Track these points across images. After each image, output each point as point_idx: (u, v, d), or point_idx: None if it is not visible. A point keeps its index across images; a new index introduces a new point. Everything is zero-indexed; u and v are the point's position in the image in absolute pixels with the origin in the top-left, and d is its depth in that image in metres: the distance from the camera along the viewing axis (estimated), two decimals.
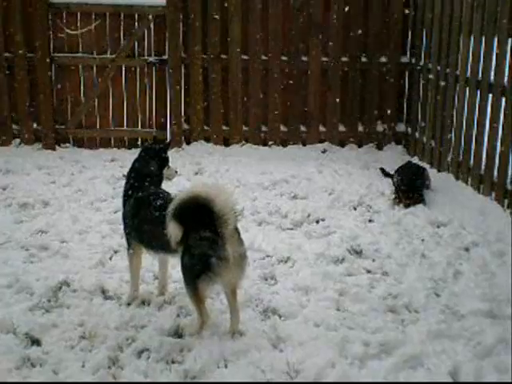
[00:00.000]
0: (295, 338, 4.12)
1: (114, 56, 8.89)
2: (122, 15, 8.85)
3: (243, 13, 8.93)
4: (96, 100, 9.07)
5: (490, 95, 6.80)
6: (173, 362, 3.90)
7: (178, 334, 4.20)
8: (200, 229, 3.90)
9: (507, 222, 6.15)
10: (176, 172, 5.02)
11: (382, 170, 7.92)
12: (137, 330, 4.24)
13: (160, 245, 4.22)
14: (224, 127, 9.25)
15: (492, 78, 6.75)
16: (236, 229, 4.02)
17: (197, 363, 3.83)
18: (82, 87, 9.05)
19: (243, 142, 9.25)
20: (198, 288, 4.01)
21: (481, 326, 4.25)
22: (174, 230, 3.92)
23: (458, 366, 3.80)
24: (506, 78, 6.48)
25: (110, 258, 5.39)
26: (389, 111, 9.33)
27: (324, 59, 9.11)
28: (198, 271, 3.96)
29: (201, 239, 3.91)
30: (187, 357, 3.92)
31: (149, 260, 5.25)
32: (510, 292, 4.73)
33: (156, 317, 4.40)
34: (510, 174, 6.41)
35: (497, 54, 6.65)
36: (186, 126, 9.20)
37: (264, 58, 9.07)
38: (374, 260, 5.44)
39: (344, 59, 9.14)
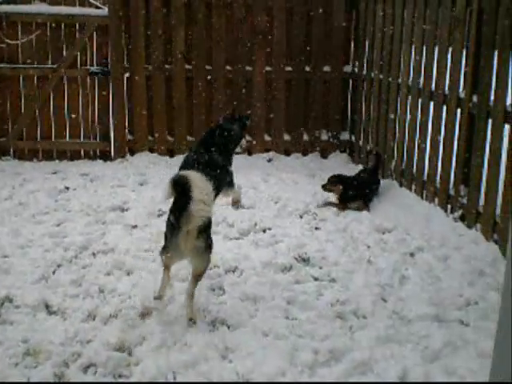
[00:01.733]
0: (244, 347, 4.08)
1: (55, 66, 8.73)
2: (64, 25, 8.71)
3: (186, 22, 8.90)
4: (37, 111, 8.89)
5: (432, 103, 6.92)
6: (120, 376, 3.82)
7: (124, 347, 4.12)
8: (175, 209, 4.30)
9: (450, 227, 6.26)
10: (246, 141, 5.55)
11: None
12: (82, 345, 4.13)
13: None
14: (169, 137, 9.18)
15: (433, 86, 6.87)
16: (200, 228, 4.23)
17: (145, 376, 3.76)
18: (22, 98, 8.86)
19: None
20: (161, 256, 4.59)
21: (428, 330, 4.30)
22: (167, 189, 4.21)
23: (407, 370, 3.82)
24: (446, 87, 6.61)
25: (53, 273, 5.24)
26: (333, 120, 9.43)
27: (268, 69, 9.15)
28: (164, 243, 4.52)
29: (169, 219, 4.41)
30: (135, 370, 3.84)
31: (92, 274, 5.17)
32: (456, 296, 4.82)
33: (101, 331, 4.29)
34: (452, 179, 6.53)
35: (438, 62, 6.78)
36: (129, 137, 9.10)
37: (208, 67, 9.05)
38: (321, 267, 5.44)
39: (288, 69, 9.20)
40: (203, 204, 4.14)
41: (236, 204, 5.45)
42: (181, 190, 4.13)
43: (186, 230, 4.20)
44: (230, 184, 5.09)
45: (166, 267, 4.67)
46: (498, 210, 5.69)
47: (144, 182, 8.07)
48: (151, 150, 9.16)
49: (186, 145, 9.16)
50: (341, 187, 7.11)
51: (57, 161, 8.97)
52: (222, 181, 4.87)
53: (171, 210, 4.40)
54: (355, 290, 4.97)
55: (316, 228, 6.45)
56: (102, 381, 3.77)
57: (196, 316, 4.44)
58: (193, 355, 3.97)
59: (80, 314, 4.52)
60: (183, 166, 4.84)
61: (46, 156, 8.99)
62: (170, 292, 4.86)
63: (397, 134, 7.81)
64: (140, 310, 4.56)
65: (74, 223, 6.39)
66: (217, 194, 4.70)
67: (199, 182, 4.17)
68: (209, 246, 4.42)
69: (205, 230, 4.33)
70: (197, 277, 4.48)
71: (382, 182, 7.75)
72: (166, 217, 6.54)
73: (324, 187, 7.22)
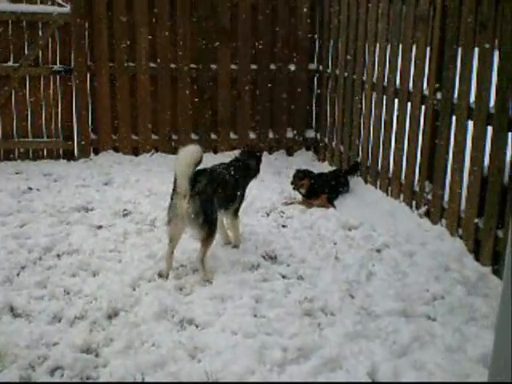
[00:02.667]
0: (213, 347, 4.05)
1: (17, 65, 8.58)
2: (25, 23, 8.55)
3: (150, 19, 8.82)
4: None
5: (396, 100, 6.97)
6: (87, 378, 3.77)
7: (91, 349, 4.06)
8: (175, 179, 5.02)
9: (416, 223, 6.31)
10: None
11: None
12: (48, 347, 4.06)
13: None
14: (133, 136, 9.10)
15: (398, 83, 6.92)
16: (194, 192, 4.95)
17: (113, 378, 3.72)
18: None
19: (153, 151, 9.15)
20: (166, 226, 5.22)
21: (396, 325, 4.32)
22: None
23: (376, 365, 3.83)
24: (411, 84, 6.66)
25: (18, 275, 5.15)
26: (298, 118, 9.46)
27: (233, 67, 9.13)
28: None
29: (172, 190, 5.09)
30: (102, 372, 3.80)
31: (57, 276, 5.10)
32: (422, 291, 4.87)
33: (67, 333, 4.23)
34: (417, 176, 6.58)
35: (402, 60, 6.82)
36: (93, 136, 9.00)
37: (173, 65, 8.99)
38: (288, 265, 5.45)
39: (253, 67, 9.19)
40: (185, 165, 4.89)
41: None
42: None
43: (180, 191, 4.94)
44: (236, 213, 5.79)
45: (170, 240, 5.17)
46: (463, 206, 5.75)
47: (108, 181, 7.99)
48: (115, 149, 9.08)
49: (151, 144, 9.11)
50: (308, 181, 7.15)
51: (19, 161, 8.83)
52: (232, 201, 5.64)
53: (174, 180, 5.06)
54: (323, 286, 4.98)
55: (283, 226, 6.46)
56: (70, 382, 3.72)
57: (211, 277, 5.07)
58: (161, 356, 3.93)
59: (45, 316, 4.45)
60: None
61: (7, 156, 8.83)
62: (137, 292, 4.82)
63: (362, 132, 7.86)
64: (106, 311, 4.51)
65: (37, 224, 6.29)
66: (224, 206, 5.53)
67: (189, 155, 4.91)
68: (206, 215, 5.05)
69: (201, 199, 5.00)
70: (202, 244, 5.12)
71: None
72: (130, 217, 6.58)
73: (293, 184, 7.23)
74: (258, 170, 6.06)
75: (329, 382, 3.73)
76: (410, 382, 3.72)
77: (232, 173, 5.68)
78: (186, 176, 4.90)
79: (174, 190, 5.06)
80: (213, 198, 5.19)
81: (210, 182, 5.16)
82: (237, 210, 5.80)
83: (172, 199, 5.07)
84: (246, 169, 5.92)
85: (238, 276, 5.16)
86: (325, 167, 8.66)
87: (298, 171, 7.35)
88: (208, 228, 5.11)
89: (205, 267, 5.11)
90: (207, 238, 5.14)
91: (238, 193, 5.74)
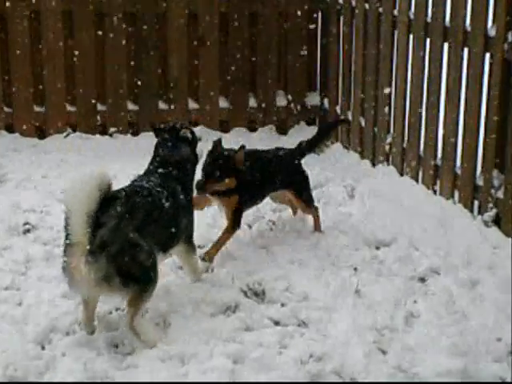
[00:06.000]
0: None
1: None
2: None
3: None
4: None
5: (446, 45, 6.98)
6: None
7: None
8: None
9: (479, 235, 6.33)
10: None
11: None
12: None
13: None
14: (37, 108, 9.08)
15: (448, 19, 6.91)
16: (96, 245, 4.61)
17: None
18: None
19: (68, 130, 9.14)
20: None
21: None
22: None
23: None
24: (467, 20, 6.64)
25: None
26: (294, 75, 9.45)
27: None
28: None
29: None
30: None
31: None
32: (491, 340, 4.89)
33: None
34: (479, 161, 6.60)
35: None
36: None
37: None
38: (283, 304, 5.46)
39: None
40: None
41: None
42: None
43: (74, 242, 4.65)
44: (189, 242, 5.66)
45: (85, 304, 5.08)
46: None
47: (0, 178, 7.97)
48: (9, 129, 9.05)
49: (65, 119, 9.09)
50: None
51: None
52: (176, 229, 5.39)
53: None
54: (337, 337, 4.99)
55: (274, 243, 6.46)
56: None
57: (157, 339, 4.89)
58: None
59: None
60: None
61: None
62: (49, 352, 4.81)
63: (393, 96, 7.87)
64: None
65: None
66: (165, 242, 5.32)
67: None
68: (124, 272, 4.77)
69: (110, 254, 4.70)
70: (129, 304, 4.89)
71: (371, 169, 7.85)
72: (35, 234, 6.59)
73: None
74: (196, 160, 5.88)
75: (323, 382, 3.75)
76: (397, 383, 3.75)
77: (160, 184, 5.40)
78: (82, 218, 4.61)
79: (66, 238, 4.77)
80: (135, 238, 4.88)
81: (126, 219, 4.86)
82: (189, 238, 5.68)
83: (65, 256, 4.80)
84: (179, 166, 5.66)
85: (206, 323, 5.17)
86: (335, 149, 8.62)
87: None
88: (134, 285, 4.88)
89: (141, 331, 4.89)
90: (137, 297, 4.92)
91: (181, 211, 5.50)
